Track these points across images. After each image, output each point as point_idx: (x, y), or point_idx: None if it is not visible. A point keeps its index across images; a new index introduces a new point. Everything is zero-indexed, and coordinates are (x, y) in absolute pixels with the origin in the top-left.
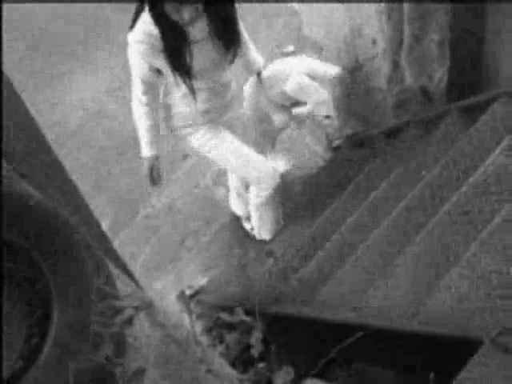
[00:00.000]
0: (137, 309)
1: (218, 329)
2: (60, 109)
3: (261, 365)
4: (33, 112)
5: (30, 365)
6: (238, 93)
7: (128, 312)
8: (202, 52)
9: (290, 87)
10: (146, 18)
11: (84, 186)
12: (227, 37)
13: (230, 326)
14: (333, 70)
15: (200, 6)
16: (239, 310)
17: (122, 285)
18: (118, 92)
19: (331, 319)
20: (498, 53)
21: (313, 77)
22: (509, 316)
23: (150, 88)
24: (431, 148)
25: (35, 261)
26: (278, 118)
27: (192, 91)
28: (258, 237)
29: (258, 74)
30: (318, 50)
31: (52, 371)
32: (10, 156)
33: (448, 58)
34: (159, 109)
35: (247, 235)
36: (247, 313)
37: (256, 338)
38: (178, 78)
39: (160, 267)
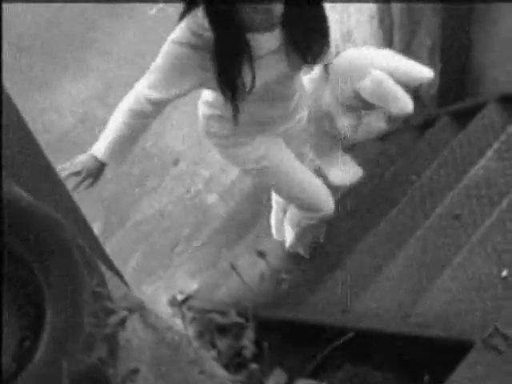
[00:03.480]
0: (130, 310)
1: (209, 334)
2: (49, 113)
3: (253, 365)
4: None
5: (23, 367)
6: (303, 97)
7: (121, 313)
8: (267, 68)
9: (366, 87)
10: (198, 18)
11: None
12: (311, 47)
13: (222, 331)
14: (428, 73)
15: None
16: (232, 312)
17: (114, 287)
18: (106, 97)
19: (324, 322)
20: (486, 58)
21: (399, 79)
22: (500, 317)
23: (165, 97)
24: (422, 152)
25: (28, 263)
26: (342, 122)
27: (235, 113)
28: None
29: (326, 65)
30: None
31: (46, 373)
32: (2, 159)
33: (438, 63)
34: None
35: (238, 239)
36: (239, 315)
37: (248, 338)
38: (225, 96)
39: (151, 272)
